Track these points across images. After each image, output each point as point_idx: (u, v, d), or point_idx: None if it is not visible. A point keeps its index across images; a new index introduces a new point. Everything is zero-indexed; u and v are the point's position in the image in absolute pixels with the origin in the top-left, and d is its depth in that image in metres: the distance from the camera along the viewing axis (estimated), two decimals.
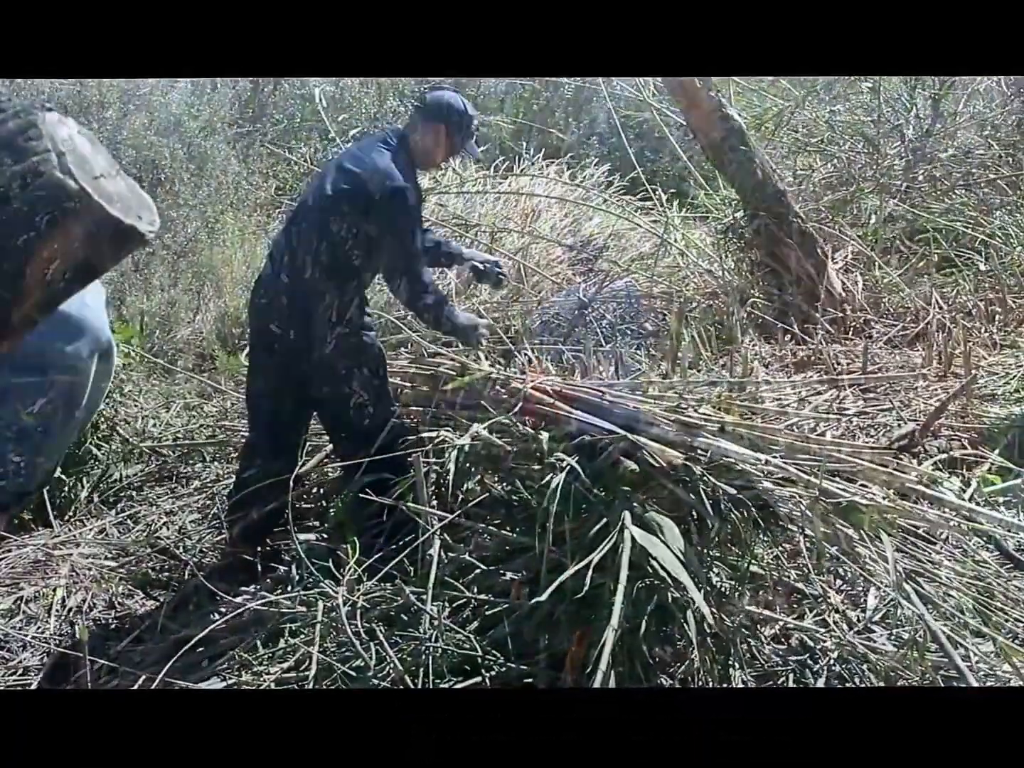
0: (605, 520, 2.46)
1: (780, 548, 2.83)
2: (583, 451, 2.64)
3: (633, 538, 2.33)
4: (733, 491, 2.50)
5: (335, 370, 3.11)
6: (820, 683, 2.47)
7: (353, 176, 3.07)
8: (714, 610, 2.39)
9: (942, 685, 2.36)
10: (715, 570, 2.63)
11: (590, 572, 2.25)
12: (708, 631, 2.41)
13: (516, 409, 2.87)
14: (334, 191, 3.08)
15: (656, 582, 2.40)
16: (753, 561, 2.61)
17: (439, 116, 3.20)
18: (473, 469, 2.94)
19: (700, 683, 2.37)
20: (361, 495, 2.86)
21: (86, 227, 0.71)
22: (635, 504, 2.49)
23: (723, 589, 2.60)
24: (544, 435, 2.73)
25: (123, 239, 0.74)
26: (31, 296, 0.72)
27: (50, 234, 0.71)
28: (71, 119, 0.74)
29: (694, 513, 2.55)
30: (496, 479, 3.00)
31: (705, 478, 2.52)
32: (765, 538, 2.69)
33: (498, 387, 3.10)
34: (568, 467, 2.55)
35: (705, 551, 2.59)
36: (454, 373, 3.25)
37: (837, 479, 2.60)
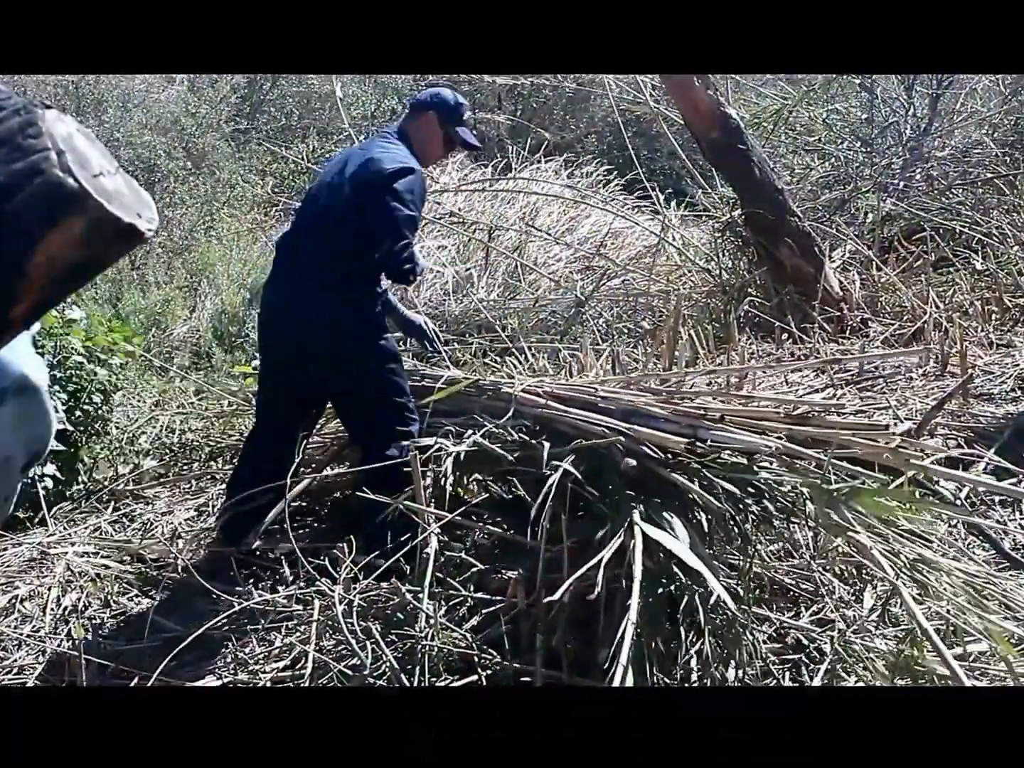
0: (611, 520, 2.45)
1: (778, 545, 2.83)
2: (581, 454, 2.62)
3: (644, 533, 2.32)
4: (732, 487, 2.49)
5: (352, 366, 3.11)
6: (816, 682, 2.47)
7: (365, 165, 3.09)
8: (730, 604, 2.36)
9: (936, 684, 2.36)
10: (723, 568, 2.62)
11: (601, 572, 2.24)
12: (725, 622, 2.39)
13: (510, 414, 2.85)
14: (350, 181, 3.10)
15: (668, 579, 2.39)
16: (756, 561, 2.60)
17: (428, 105, 3.28)
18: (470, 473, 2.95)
19: (706, 680, 2.36)
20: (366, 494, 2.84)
21: (85, 226, 0.71)
22: (641, 501, 2.47)
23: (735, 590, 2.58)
24: (545, 445, 2.71)
25: (122, 237, 0.74)
26: (29, 296, 0.71)
27: (49, 233, 0.70)
28: (70, 117, 0.73)
29: (701, 512, 2.53)
30: (492, 479, 3.00)
31: (708, 467, 2.51)
32: (769, 533, 2.67)
33: (489, 393, 3.07)
34: (565, 470, 2.54)
35: (717, 550, 2.58)
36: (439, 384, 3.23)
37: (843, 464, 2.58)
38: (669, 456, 2.59)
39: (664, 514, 2.43)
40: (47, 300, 0.74)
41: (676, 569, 2.37)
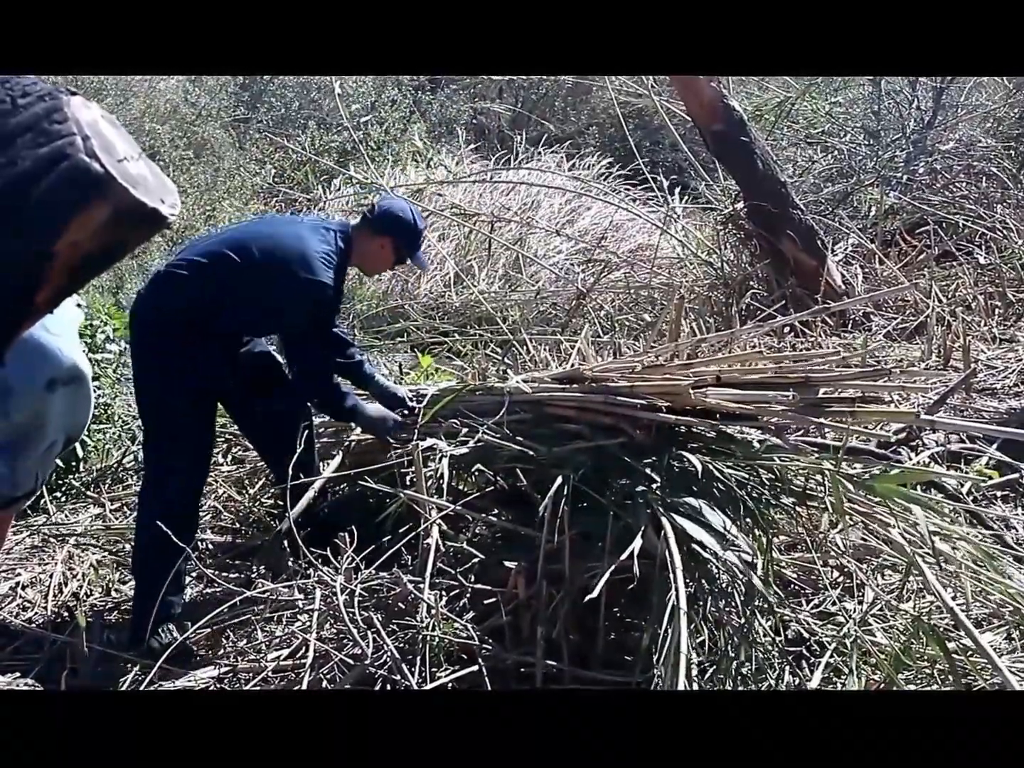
0: (633, 509, 2.45)
1: (783, 537, 2.83)
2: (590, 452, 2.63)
3: (673, 524, 2.32)
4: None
5: None
6: (816, 677, 2.46)
7: (276, 252, 2.88)
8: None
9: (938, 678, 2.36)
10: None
11: (635, 561, 2.24)
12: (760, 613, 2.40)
13: (503, 412, 2.84)
14: (254, 260, 2.86)
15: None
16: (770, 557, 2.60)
17: (386, 229, 3.06)
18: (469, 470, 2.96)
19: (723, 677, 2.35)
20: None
21: (111, 211, 0.71)
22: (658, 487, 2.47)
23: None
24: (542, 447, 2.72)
25: (146, 222, 0.74)
26: (54, 281, 0.71)
27: (76, 218, 0.70)
28: (95, 103, 0.73)
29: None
30: (494, 473, 3.00)
31: (717, 452, 2.51)
32: (780, 515, 2.68)
33: (481, 392, 3.05)
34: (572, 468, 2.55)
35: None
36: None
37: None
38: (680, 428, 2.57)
39: (691, 501, 2.43)
40: (71, 285, 0.74)
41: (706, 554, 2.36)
